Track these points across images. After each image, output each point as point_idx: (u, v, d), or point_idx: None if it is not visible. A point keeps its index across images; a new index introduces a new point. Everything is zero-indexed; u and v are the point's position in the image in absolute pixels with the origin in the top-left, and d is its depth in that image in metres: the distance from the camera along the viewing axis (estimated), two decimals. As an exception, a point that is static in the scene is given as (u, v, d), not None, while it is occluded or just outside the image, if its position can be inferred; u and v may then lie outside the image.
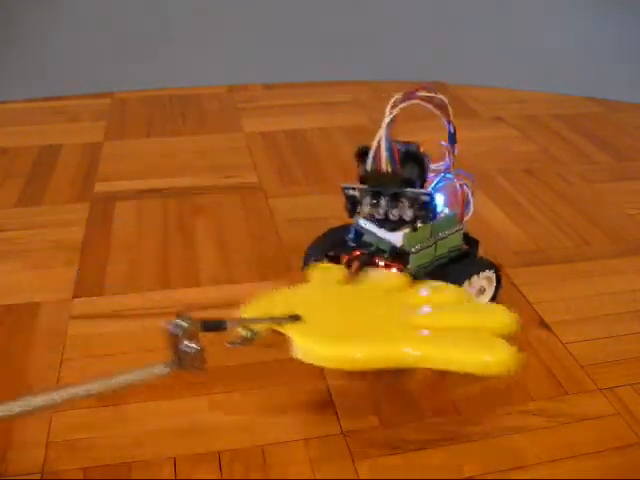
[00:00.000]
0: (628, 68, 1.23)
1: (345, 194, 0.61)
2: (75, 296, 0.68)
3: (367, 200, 0.60)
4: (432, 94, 0.58)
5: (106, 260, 0.74)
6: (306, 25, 1.31)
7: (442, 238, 0.60)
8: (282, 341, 0.49)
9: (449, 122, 0.59)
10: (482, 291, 0.62)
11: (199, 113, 1.20)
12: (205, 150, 1.03)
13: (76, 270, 0.72)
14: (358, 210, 0.61)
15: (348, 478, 0.48)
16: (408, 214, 0.58)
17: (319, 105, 1.23)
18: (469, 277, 0.60)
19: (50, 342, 0.61)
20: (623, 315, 0.65)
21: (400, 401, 0.54)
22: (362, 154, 0.59)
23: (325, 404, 0.54)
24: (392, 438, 0.51)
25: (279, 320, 0.49)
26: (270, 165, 0.98)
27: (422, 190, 0.58)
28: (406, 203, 0.58)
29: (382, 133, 0.57)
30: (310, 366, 0.48)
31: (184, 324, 0.45)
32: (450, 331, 0.49)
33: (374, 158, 0.58)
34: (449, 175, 0.61)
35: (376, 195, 0.59)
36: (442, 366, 0.47)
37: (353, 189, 0.60)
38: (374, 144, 0.57)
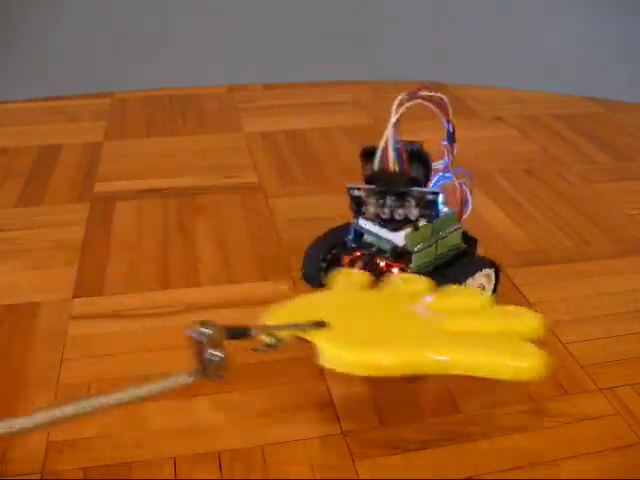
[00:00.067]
0: (628, 68, 1.23)
1: (350, 194, 0.61)
2: (75, 296, 0.68)
3: (373, 200, 0.60)
4: (433, 93, 0.58)
5: (106, 260, 0.74)
6: (306, 25, 1.31)
7: (442, 237, 0.60)
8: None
9: (448, 121, 0.60)
10: (481, 289, 0.62)
11: (199, 113, 1.20)
12: (205, 150, 1.03)
13: (76, 270, 0.72)
14: (363, 210, 0.61)
15: (348, 478, 0.48)
16: (414, 213, 0.58)
17: (319, 105, 1.23)
18: (471, 275, 0.60)
19: (50, 342, 0.61)
20: (623, 315, 0.65)
21: (400, 401, 0.54)
22: (367, 154, 0.59)
23: (325, 404, 0.54)
24: (392, 438, 0.51)
25: (304, 327, 0.47)
26: (270, 165, 0.98)
27: (428, 189, 0.58)
28: (412, 202, 0.58)
29: (389, 132, 0.57)
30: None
31: (209, 331, 0.43)
32: (478, 336, 0.48)
33: (381, 158, 0.58)
34: (448, 174, 0.61)
35: (382, 195, 0.59)
36: (471, 372, 0.45)
37: (358, 189, 0.60)
38: (381, 144, 0.57)
